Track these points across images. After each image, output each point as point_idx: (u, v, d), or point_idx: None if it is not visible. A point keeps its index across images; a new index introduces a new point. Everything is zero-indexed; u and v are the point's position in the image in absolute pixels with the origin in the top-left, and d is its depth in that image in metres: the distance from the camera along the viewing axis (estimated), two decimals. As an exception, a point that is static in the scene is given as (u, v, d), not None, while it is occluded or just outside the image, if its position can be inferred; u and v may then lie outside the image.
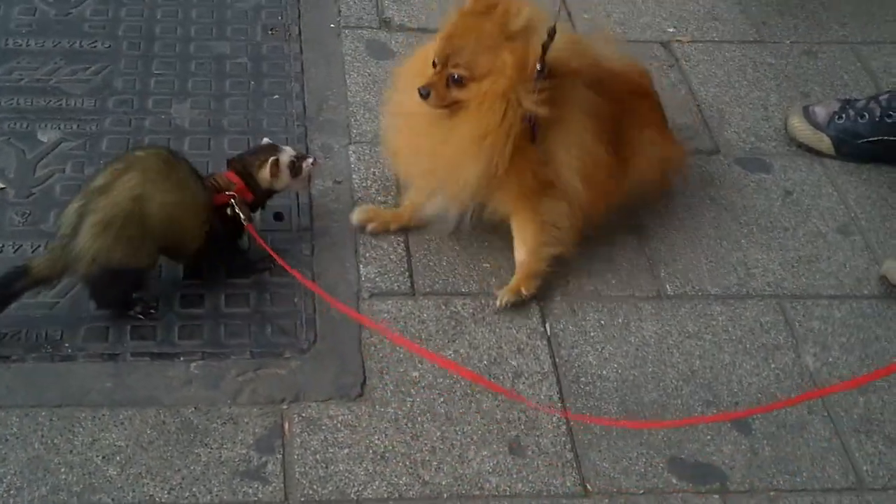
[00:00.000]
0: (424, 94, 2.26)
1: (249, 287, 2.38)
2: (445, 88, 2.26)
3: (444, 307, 2.40)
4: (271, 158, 2.33)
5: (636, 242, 2.61)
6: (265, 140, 2.43)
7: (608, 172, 2.42)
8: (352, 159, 2.71)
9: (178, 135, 2.70)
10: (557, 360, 2.32)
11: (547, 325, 2.39)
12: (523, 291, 2.40)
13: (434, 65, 2.27)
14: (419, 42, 3.06)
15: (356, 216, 2.53)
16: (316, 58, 3.00)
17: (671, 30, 3.27)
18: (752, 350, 2.40)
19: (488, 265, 2.50)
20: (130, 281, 2.23)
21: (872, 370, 2.37)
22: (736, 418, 2.24)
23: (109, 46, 2.94)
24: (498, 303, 2.39)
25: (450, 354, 2.30)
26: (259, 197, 2.37)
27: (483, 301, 2.42)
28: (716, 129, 2.96)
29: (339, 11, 3.15)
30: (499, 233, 2.54)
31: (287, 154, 2.37)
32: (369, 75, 2.96)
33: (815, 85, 3.16)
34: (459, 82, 2.25)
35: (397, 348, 2.28)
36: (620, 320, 2.43)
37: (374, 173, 2.68)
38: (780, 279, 2.57)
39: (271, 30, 3.08)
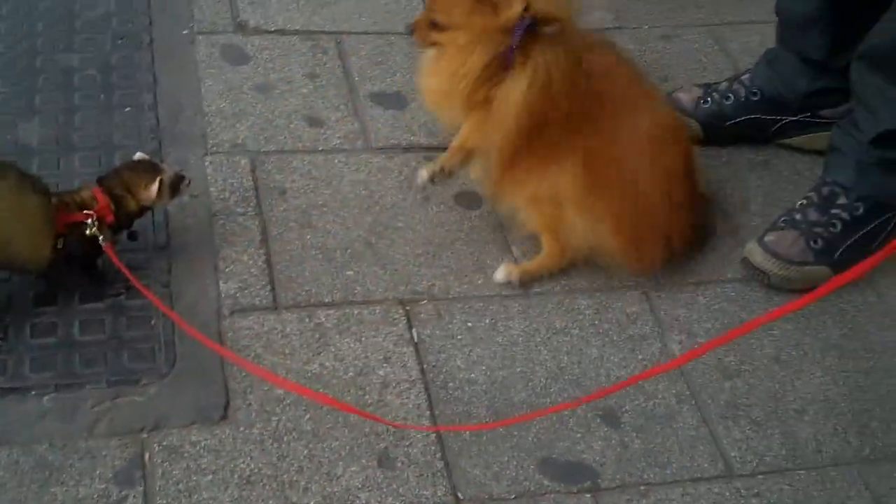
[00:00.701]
0: (409, 31, 2.39)
1: (104, 312, 2.30)
2: (427, 29, 2.34)
3: (307, 320, 2.35)
4: (159, 178, 2.26)
5: (502, 239, 2.59)
6: (139, 154, 2.34)
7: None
8: (208, 171, 2.64)
9: (25, 155, 2.59)
10: (425, 366, 2.30)
11: (414, 332, 2.36)
12: (444, 166, 2.43)
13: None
14: (277, 46, 3.01)
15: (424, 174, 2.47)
16: (169, 66, 2.92)
17: (531, 20, 3.25)
18: (620, 342, 2.40)
19: (352, 273, 2.46)
20: None
21: (735, 354, 2.40)
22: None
23: (-51, 65, 2.83)
24: (419, 181, 2.45)
25: (315, 368, 2.26)
26: (124, 218, 2.29)
27: (348, 311, 2.38)
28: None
29: (193, 16, 3.07)
30: (364, 241, 2.51)
31: (169, 173, 2.31)
32: (225, 82, 2.89)
33: (675, 69, 3.18)
34: (437, 26, 2.32)
35: (261, 364, 2.23)
36: (488, 321, 2.41)
37: (231, 184, 2.62)
38: (645, 268, 2.58)
39: (121, 39, 2.99)
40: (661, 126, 2.47)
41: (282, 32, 3.07)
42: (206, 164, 2.66)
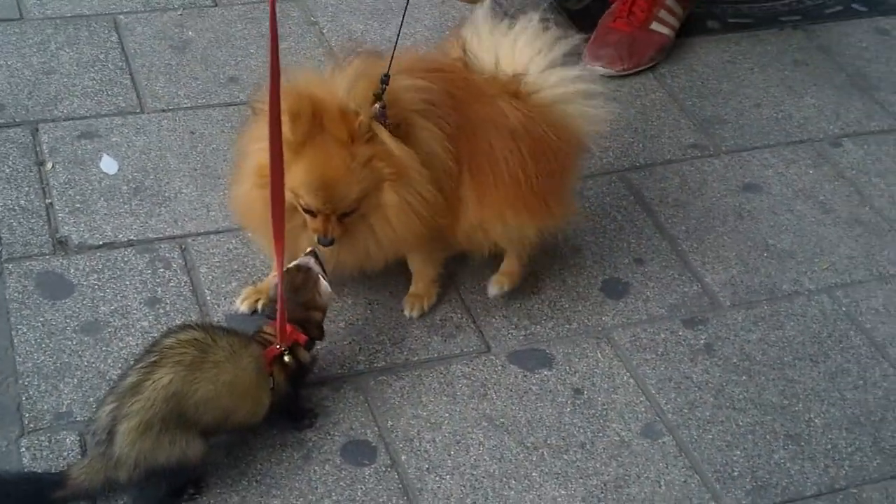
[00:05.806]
0: (328, 243, 2.16)
1: None
2: (339, 224, 2.15)
3: None
4: (319, 275, 2.16)
5: (405, 505, 2.07)
6: (272, 276, 2.28)
7: None
8: (25, 459, 2.08)
9: None
10: None
11: None
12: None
13: (311, 212, 2.14)
14: (106, 265, 2.47)
15: (244, 304, 2.40)
16: (-30, 314, 2.36)
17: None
18: None
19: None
20: (179, 478, 2.01)
21: None
22: None
23: None
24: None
25: None
26: (315, 331, 2.16)
27: None
28: (481, 315, 2.46)
29: (1, 239, 2.51)
30: None
31: (310, 263, 2.17)
32: (44, 325, 2.33)
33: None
34: (349, 213, 2.15)
35: None
36: None
37: (57, 474, 2.05)
38: (586, 524, 2.08)
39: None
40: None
41: (111, 246, 2.53)
42: (22, 448, 2.09)
